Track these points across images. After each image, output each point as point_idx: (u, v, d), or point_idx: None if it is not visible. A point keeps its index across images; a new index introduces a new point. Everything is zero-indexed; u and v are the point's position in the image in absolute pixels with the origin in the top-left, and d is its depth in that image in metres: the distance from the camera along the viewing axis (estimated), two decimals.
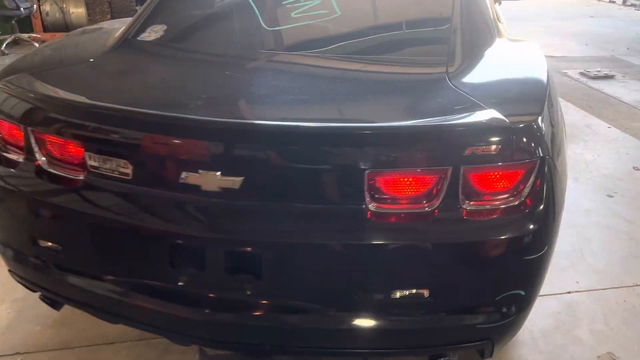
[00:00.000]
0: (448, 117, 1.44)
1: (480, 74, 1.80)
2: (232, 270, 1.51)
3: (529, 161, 1.46)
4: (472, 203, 1.46)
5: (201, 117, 1.42)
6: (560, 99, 5.24)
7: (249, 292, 1.53)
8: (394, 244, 1.46)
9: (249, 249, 1.49)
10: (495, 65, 1.89)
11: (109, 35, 2.12)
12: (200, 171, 1.44)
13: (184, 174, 1.45)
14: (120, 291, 1.62)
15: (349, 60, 1.85)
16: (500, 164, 1.44)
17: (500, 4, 4.35)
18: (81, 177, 1.58)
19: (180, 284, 1.54)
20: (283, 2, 2.09)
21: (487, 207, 1.47)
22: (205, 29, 2.08)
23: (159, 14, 2.13)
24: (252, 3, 2.08)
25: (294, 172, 1.45)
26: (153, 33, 2.03)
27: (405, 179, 1.44)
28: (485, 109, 1.47)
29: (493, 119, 1.42)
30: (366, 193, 1.43)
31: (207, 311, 1.55)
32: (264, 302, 1.54)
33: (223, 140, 1.42)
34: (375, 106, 1.58)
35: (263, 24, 1.99)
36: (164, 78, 1.78)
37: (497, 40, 2.10)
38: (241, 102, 1.59)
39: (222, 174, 1.43)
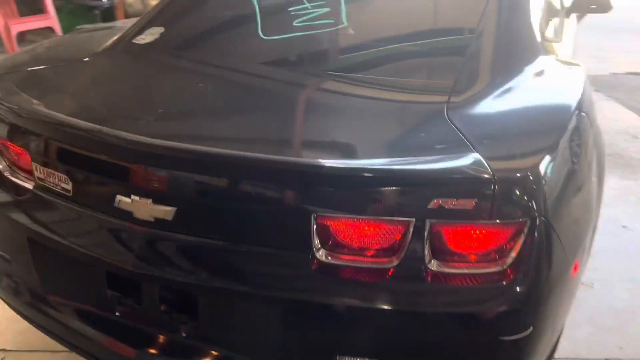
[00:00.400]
0: (419, 160, 1.20)
1: (492, 105, 1.51)
2: (165, 308, 1.36)
3: (515, 222, 1.19)
4: (438, 265, 1.21)
5: (131, 136, 1.26)
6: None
7: (184, 335, 1.37)
8: (342, 302, 1.25)
9: (177, 288, 1.34)
10: (517, 94, 1.59)
11: (111, 35, 2.03)
12: (132, 197, 1.29)
13: (118, 198, 1.31)
14: (54, 312, 1.52)
15: (338, 81, 1.62)
16: (475, 221, 1.18)
17: (581, 17, 3.91)
18: (30, 188, 1.49)
19: (110, 314, 1.42)
20: (289, 9, 1.90)
21: (457, 271, 1.22)
22: (200, 35, 1.94)
23: (162, 16, 2.01)
24: (256, 8, 1.91)
25: (234, 207, 1.27)
26: (149, 36, 1.91)
27: (361, 228, 1.22)
28: (471, 152, 1.20)
29: (471, 166, 1.16)
30: (314, 240, 1.22)
31: (141, 348, 1.41)
32: (198, 347, 1.38)
33: (154, 164, 1.27)
34: (342, 140, 1.34)
35: (260, 32, 1.82)
36: (132, 88, 1.65)
37: (538, 61, 1.79)
38: (190, 121, 1.43)
39: (154, 202, 1.27)
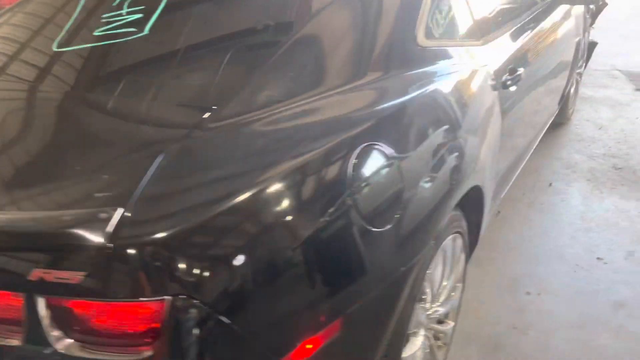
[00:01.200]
0: (31, 216, 0.95)
1: (241, 140, 1.20)
2: None
3: (144, 302, 0.91)
4: (69, 347, 0.97)
5: None
6: None
7: None
8: None
9: None
10: (303, 123, 1.27)
11: None
12: None
13: None
14: None
15: (82, 105, 1.37)
16: (91, 299, 0.92)
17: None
18: None
19: None
20: (103, 15, 1.68)
21: (91, 356, 0.96)
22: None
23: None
24: (75, 14, 1.71)
25: None
26: None
27: None
28: (113, 209, 0.93)
29: (83, 228, 0.89)
30: None
31: None
32: None
33: None
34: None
35: (55, 44, 1.61)
36: None
37: (394, 76, 1.48)
38: None
39: None
